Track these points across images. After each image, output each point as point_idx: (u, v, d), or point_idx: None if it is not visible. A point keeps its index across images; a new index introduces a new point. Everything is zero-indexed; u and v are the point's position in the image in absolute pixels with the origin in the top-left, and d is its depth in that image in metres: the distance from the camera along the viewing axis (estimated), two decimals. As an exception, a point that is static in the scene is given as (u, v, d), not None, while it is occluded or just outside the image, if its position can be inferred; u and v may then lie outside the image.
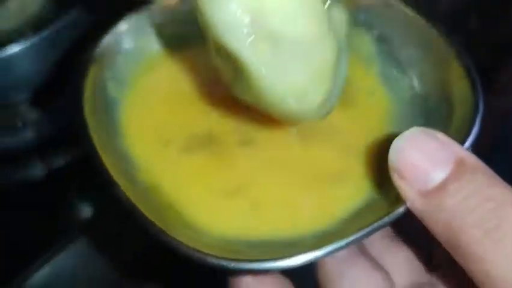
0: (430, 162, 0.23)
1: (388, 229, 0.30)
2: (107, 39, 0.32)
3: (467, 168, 0.23)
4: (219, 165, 0.30)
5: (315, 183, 0.29)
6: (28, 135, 0.46)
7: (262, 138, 0.31)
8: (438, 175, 0.23)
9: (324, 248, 0.25)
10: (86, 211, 0.46)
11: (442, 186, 0.23)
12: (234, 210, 0.28)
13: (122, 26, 0.33)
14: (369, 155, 0.30)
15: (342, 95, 0.30)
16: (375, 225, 0.25)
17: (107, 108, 0.31)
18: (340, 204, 0.28)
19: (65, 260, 0.41)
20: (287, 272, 0.27)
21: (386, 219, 0.25)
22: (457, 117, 0.29)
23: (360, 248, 0.28)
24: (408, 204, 0.24)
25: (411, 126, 0.28)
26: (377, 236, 0.28)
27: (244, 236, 0.27)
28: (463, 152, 0.24)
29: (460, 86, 0.30)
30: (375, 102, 0.33)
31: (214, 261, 0.24)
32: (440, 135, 0.24)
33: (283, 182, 0.29)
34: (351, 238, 0.25)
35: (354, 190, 0.29)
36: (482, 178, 0.23)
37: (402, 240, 0.30)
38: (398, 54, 0.33)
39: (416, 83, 0.32)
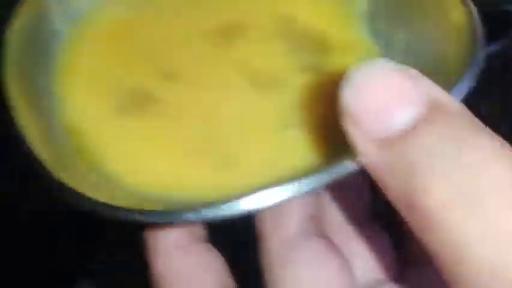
0: (395, 102, 0.17)
1: (361, 212, 0.25)
2: None
3: (445, 112, 0.17)
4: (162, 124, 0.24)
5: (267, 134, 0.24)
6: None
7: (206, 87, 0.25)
8: (403, 118, 0.17)
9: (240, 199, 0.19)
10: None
11: (406, 132, 0.17)
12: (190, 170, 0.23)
13: None
14: None
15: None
16: (304, 183, 0.19)
17: (47, 42, 0.26)
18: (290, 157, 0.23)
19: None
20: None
21: (323, 178, 0.19)
22: (451, 63, 0.23)
23: (317, 229, 0.23)
24: (361, 158, 0.18)
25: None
26: (342, 218, 0.24)
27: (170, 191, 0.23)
28: (441, 94, 0.17)
29: (457, 33, 0.24)
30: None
31: (121, 214, 0.20)
32: (414, 72, 0.17)
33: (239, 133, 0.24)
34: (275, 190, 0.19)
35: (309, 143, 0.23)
36: (463, 124, 0.16)
37: (377, 229, 0.25)
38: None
39: (411, 36, 0.26)
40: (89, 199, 0.20)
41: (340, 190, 0.25)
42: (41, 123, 0.23)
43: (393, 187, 0.17)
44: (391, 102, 0.17)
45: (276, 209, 0.23)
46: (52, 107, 0.25)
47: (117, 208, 0.20)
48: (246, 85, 0.25)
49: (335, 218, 0.25)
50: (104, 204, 0.20)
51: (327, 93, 0.24)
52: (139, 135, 0.24)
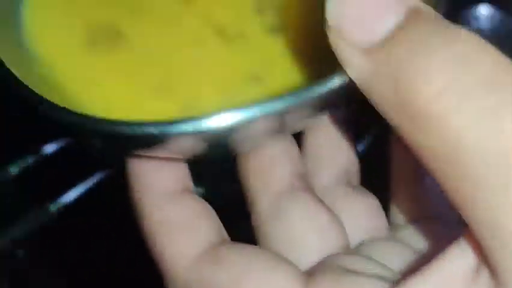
0: (377, 10, 0.17)
1: (350, 176, 0.26)
2: None
3: (426, 17, 0.17)
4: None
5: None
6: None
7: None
8: (386, 24, 0.17)
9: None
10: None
11: (390, 37, 0.17)
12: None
13: None
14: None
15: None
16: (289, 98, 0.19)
17: None
18: None
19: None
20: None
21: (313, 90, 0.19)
22: None
23: (305, 186, 0.23)
24: (349, 71, 0.18)
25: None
26: (331, 180, 0.24)
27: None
28: (419, 3, 0.18)
29: None
30: None
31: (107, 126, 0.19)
32: None
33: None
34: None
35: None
36: (443, 24, 0.17)
37: (365, 192, 0.25)
38: None
39: None
40: (77, 113, 0.19)
41: (328, 151, 0.26)
42: (14, 54, 0.23)
43: (382, 94, 0.17)
44: (373, 10, 0.17)
45: (264, 165, 0.23)
46: (23, 40, 0.24)
47: (113, 122, 0.19)
48: (211, 34, 0.26)
49: (324, 179, 0.25)
50: (98, 119, 0.19)
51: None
52: (105, 69, 0.24)
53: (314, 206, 0.22)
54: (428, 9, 0.17)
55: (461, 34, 0.16)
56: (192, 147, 0.20)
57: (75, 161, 0.40)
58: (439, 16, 0.17)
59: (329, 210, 0.23)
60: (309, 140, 0.26)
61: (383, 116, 0.17)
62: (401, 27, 0.17)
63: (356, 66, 0.18)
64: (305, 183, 0.23)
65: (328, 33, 0.18)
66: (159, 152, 0.21)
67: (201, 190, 0.30)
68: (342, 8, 0.18)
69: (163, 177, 0.22)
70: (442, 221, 0.24)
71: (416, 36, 0.17)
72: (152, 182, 0.22)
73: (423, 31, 0.17)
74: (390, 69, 0.17)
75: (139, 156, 0.22)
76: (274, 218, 0.22)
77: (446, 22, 0.17)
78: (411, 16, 0.17)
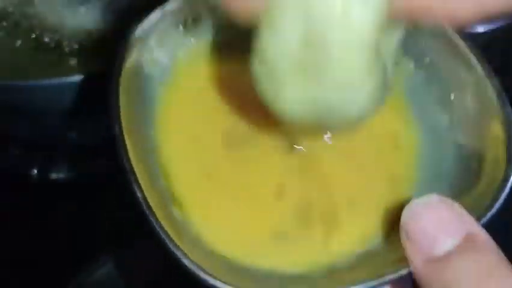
0: (440, 232, 0.24)
1: None
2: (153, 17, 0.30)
3: (476, 244, 0.23)
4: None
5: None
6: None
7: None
8: (444, 245, 0.23)
9: None
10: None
11: (446, 257, 0.23)
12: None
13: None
14: (387, 201, 0.30)
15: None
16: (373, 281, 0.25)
17: (144, 97, 0.30)
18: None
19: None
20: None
21: (387, 277, 0.25)
22: (485, 177, 0.28)
23: None
24: (412, 266, 0.24)
25: (440, 169, 0.30)
26: None
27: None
28: (475, 227, 0.24)
29: (495, 146, 0.28)
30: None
31: None
32: (457, 207, 0.25)
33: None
34: None
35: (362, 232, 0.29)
36: (487, 258, 0.23)
37: None
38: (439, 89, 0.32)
39: (452, 124, 0.31)
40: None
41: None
42: (146, 170, 0.27)
43: None
44: (435, 231, 0.24)
45: None
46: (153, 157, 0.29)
47: None
48: None
49: None
50: None
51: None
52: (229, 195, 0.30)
53: None
54: (482, 234, 0.24)
55: (500, 271, 0.23)
56: None
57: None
58: (489, 242, 0.23)
59: None
60: None
61: None
62: (456, 250, 0.23)
63: (416, 265, 0.24)
64: None
65: (400, 230, 0.25)
66: None
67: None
68: (413, 220, 0.24)
69: None
70: None
71: (463, 266, 0.23)
72: None
73: (469, 263, 0.23)
74: (439, 283, 0.23)
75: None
76: None
77: (492, 251, 0.23)
78: (465, 244, 0.23)
